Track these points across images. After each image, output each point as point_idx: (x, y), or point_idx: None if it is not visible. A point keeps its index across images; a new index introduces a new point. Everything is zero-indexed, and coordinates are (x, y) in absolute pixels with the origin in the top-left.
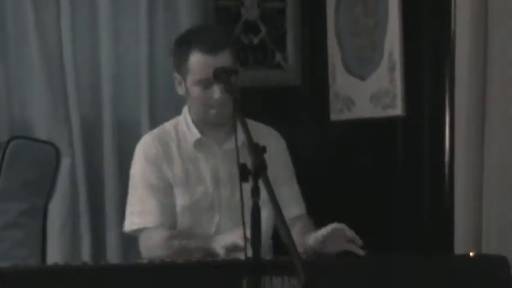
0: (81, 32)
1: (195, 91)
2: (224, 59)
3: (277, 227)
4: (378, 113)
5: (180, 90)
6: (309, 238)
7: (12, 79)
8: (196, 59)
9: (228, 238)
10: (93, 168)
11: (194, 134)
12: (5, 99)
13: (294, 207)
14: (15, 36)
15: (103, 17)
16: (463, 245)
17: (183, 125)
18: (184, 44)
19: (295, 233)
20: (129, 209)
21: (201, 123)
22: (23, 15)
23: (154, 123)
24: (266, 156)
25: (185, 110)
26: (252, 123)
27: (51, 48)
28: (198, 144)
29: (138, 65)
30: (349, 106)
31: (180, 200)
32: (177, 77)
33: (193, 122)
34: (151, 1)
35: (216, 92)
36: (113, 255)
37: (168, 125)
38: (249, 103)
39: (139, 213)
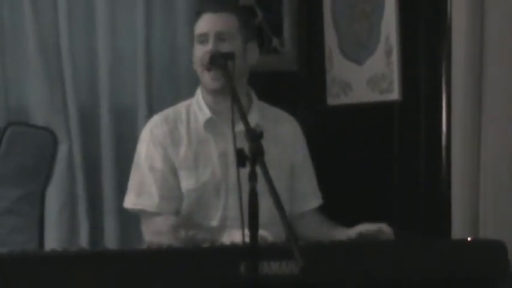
0: (78, 19)
1: (196, 51)
2: (225, 19)
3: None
4: (375, 97)
5: (194, 64)
6: (340, 229)
7: (9, 66)
8: (200, 19)
9: (237, 236)
10: (90, 154)
11: (205, 113)
12: (2, 86)
13: (314, 199)
14: (12, 23)
15: (100, 4)
16: (460, 229)
17: (195, 106)
18: (195, 15)
19: (316, 223)
20: (129, 186)
21: (209, 98)
22: (20, 3)
23: (151, 109)
24: (282, 142)
25: (198, 90)
26: (267, 107)
27: (48, 35)
28: (208, 124)
29: (135, 52)
30: (346, 91)
31: (186, 183)
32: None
33: (205, 101)
34: None
35: (209, 44)
36: (110, 241)
37: (180, 106)
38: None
39: (138, 193)
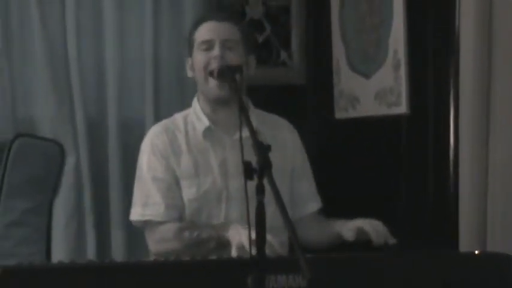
0: (86, 30)
1: (198, 57)
2: (229, 28)
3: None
4: (383, 111)
5: (190, 73)
6: (335, 225)
7: (17, 77)
8: (202, 26)
9: (243, 236)
10: (97, 166)
11: (204, 122)
12: (10, 98)
13: (314, 202)
14: (20, 34)
15: (108, 14)
16: (468, 242)
17: (192, 115)
18: (194, 24)
19: (317, 225)
20: (134, 199)
21: (208, 107)
22: (28, 13)
23: (158, 121)
24: (281, 147)
25: (195, 100)
26: (264, 114)
27: (56, 46)
28: (207, 133)
29: (143, 63)
30: (353, 104)
31: (187, 193)
32: (188, 60)
33: (203, 111)
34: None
35: (216, 50)
36: (118, 253)
37: (177, 116)
38: (253, 101)
39: (143, 205)
